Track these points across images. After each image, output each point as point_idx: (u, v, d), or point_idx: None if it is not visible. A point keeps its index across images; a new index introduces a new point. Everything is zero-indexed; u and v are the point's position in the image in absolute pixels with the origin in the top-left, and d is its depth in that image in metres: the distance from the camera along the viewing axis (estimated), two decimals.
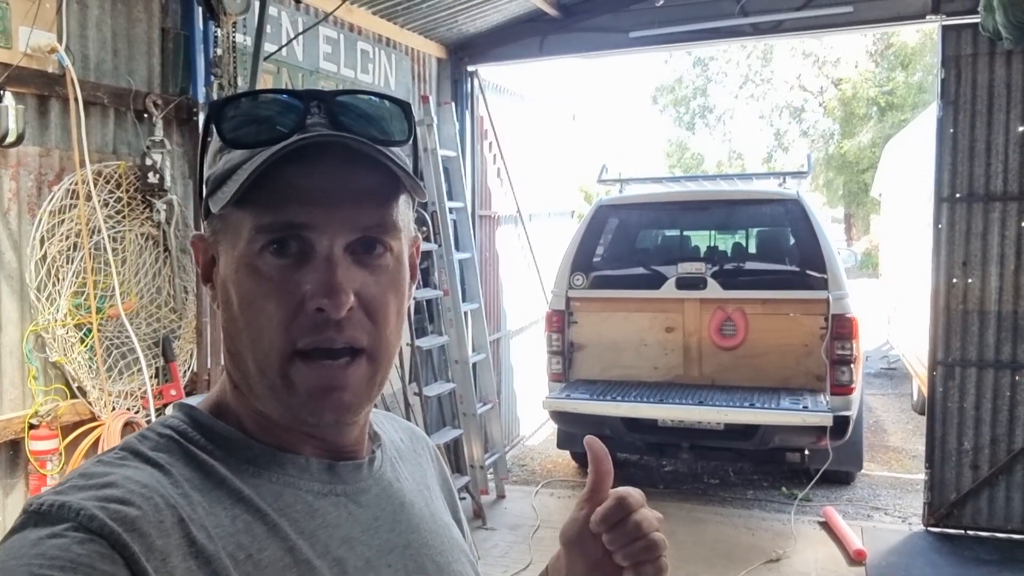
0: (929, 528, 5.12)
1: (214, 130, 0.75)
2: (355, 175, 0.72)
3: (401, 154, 0.77)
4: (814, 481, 5.52)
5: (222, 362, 0.79)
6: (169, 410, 0.79)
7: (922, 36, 18.92)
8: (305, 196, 0.71)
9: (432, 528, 0.86)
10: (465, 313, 5.76)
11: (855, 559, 4.67)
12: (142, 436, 0.74)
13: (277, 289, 0.71)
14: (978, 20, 4.65)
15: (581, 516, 0.79)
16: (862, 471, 6.24)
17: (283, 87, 4.12)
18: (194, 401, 0.80)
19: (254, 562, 0.68)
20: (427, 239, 5.44)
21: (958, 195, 4.93)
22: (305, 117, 0.73)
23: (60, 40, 2.98)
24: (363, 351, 0.74)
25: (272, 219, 0.71)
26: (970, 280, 4.94)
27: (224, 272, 0.75)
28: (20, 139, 2.84)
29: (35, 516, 0.62)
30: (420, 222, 5.40)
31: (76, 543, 0.59)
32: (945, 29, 4.91)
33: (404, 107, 0.79)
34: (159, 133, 3.38)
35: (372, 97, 0.77)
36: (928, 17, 5.00)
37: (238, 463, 0.74)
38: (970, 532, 5.03)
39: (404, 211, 0.77)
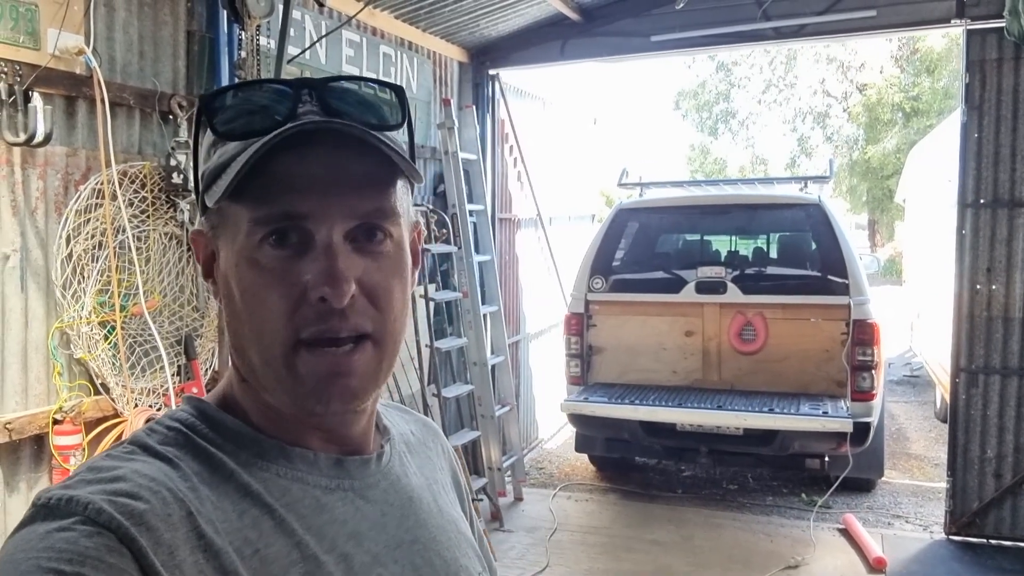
0: (951, 537, 5.07)
1: (206, 124, 0.74)
2: (350, 162, 0.71)
3: (396, 138, 0.76)
4: (834, 488, 5.47)
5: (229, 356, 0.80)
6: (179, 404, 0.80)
7: (948, 41, 18.75)
8: (301, 185, 0.70)
9: (439, 523, 0.86)
10: (484, 315, 5.78)
11: (875, 567, 4.63)
12: (150, 430, 0.74)
13: (278, 280, 0.71)
14: (1003, 25, 4.62)
15: None
16: (883, 478, 6.19)
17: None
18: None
19: (261, 557, 0.68)
20: (447, 241, 5.46)
21: (982, 201, 4.88)
22: (296, 105, 0.72)
23: (88, 42, 3.03)
24: (368, 337, 0.73)
25: (269, 211, 0.70)
26: (994, 287, 4.89)
27: (225, 266, 0.75)
28: (48, 139, 2.88)
29: (43, 510, 0.63)
30: (440, 224, 5.42)
31: (84, 536, 0.60)
32: (970, 34, 4.87)
33: (397, 91, 0.78)
34: (184, 134, 3.42)
35: (364, 82, 0.76)
36: (952, 22, 4.96)
37: (246, 457, 0.74)
38: (992, 541, 4.97)
39: (402, 196, 0.77)
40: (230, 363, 0.80)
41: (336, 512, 0.76)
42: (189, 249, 3.50)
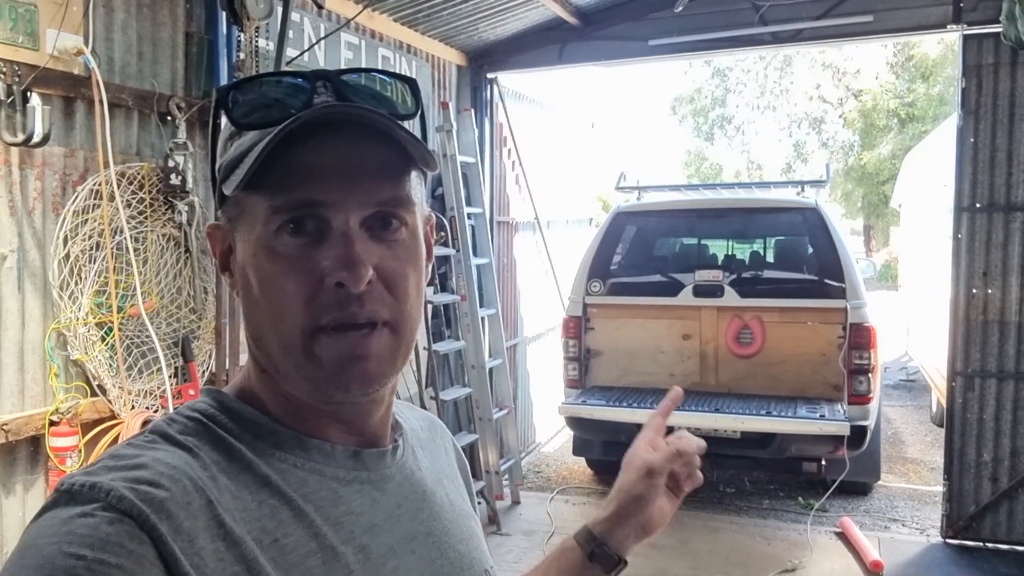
0: (947, 540, 5.08)
1: (223, 117, 0.75)
2: (367, 150, 0.73)
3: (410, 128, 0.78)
4: (831, 491, 5.48)
5: (247, 349, 0.80)
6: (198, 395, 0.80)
7: (943, 48, 18.84)
8: (318, 174, 0.71)
9: (451, 517, 0.87)
10: (482, 318, 5.77)
11: (872, 570, 4.63)
12: (171, 419, 0.75)
13: (296, 268, 0.72)
14: (1000, 29, 4.63)
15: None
16: (880, 482, 6.20)
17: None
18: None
19: (279, 546, 0.68)
20: (445, 244, 5.46)
21: (978, 205, 4.90)
22: (313, 96, 0.74)
23: (86, 43, 3.03)
24: (385, 323, 0.74)
25: (287, 199, 0.71)
26: (990, 291, 4.91)
27: (242, 257, 0.76)
28: (46, 139, 2.88)
29: (66, 495, 0.63)
30: (439, 227, 5.42)
31: (105, 523, 0.60)
32: (966, 38, 4.89)
33: (411, 83, 0.80)
34: (182, 135, 3.42)
35: (378, 74, 0.78)
36: (949, 26, 4.97)
37: (264, 447, 0.74)
38: (989, 545, 4.98)
39: (416, 186, 0.78)
40: (248, 355, 0.81)
41: (353, 504, 0.76)
42: (187, 250, 3.50)
